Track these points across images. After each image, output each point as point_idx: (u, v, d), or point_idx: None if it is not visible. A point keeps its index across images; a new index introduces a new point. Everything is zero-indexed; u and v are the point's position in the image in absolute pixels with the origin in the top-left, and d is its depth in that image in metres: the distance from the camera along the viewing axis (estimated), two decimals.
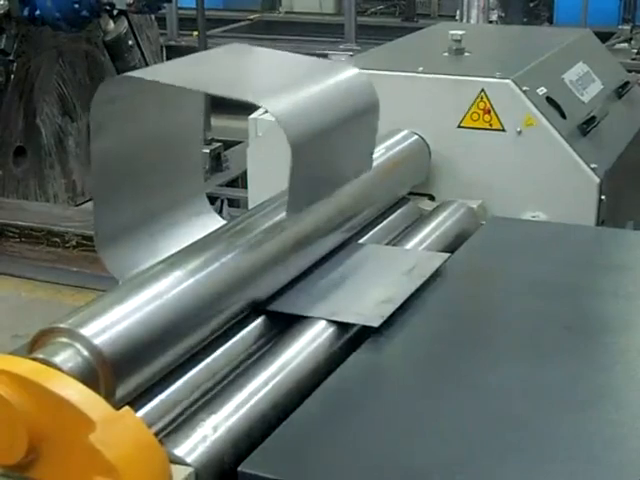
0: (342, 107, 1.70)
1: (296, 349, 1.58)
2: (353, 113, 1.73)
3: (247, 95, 1.59)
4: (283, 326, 1.66)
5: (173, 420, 1.41)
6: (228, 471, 1.34)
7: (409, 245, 2.06)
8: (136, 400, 1.38)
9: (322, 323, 1.65)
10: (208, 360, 1.52)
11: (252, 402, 1.44)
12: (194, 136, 1.89)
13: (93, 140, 1.64)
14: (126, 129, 1.68)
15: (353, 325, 1.67)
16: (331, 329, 1.65)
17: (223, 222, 1.93)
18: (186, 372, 1.48)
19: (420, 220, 2.22)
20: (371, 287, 1.79)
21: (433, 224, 2.18)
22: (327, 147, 1.65)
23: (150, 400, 1.41)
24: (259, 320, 1.66)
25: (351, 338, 1.67)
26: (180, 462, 1.29)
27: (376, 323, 1.64)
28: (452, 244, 2.11)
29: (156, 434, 1.32)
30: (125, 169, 1.70)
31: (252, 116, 2.68)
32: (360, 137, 1.78)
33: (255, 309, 1.66)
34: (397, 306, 1.70)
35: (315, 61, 1.86)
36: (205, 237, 1.72)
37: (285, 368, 1.53)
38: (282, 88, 1.63)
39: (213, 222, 1.87)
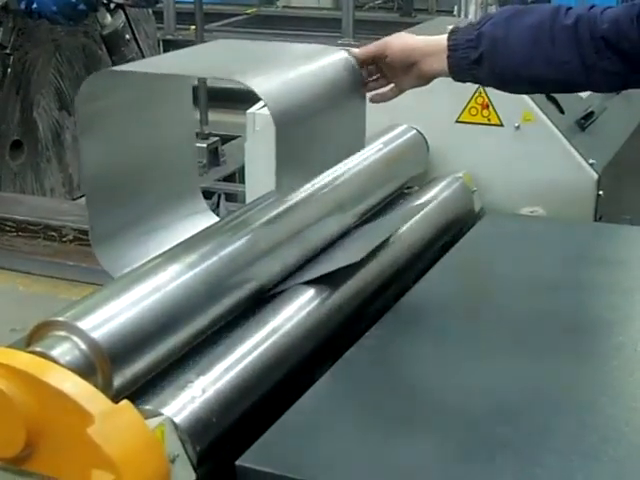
0: (327, 87, 1.71)
1: (286, 314, 1.61)
2: (339, 92, 1.74)
3: (232, 75, 1.59)
4: None
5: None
6: (218, 433, 1.37)
7: None
8: (135, 393, 1.38)
9: (311, 290, 1.68)
10: (208, 352, 1.51)
11: (241, 365, 1.46)
12: (186, 133, 1.90)
13: (81, 138, 1.63)
14: (115, 126, 1.68)
15: (341, 285, 1.71)
16: (320, 293, 1.69)
17: (211, 215, 1.94)
18: (186, 364, 1.47)
19: (409, 197, 2.25)
20: (354, 246, 1.84)
21: (424, 198, 2.20)
22: (313, 126, 1.66)
23: (149, 393, 1.40)
24: (259, 311, 1.66)
25: (344, 303, 1.72)
26: (156, 415, 1.30)
27: (357, 258, 1.73)
28: (447, 218, 2.18)
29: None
30: (116, 168, 1.70)
31: (250, 110, 2.68)
32: (348, 117, 1.79)
33: (254, 300, 1.66)
34: (378, 243, 1.82)
35: (300, 46, 1.88)
36: (202, 231, 1.72)
37: (276, 333, 1.56)
38: (267, 69, 1.64)
39: (209, 221, 1.87)
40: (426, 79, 1.77)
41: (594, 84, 1.70)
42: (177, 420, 1.31)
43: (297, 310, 1.64)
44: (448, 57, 1.69)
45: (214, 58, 1.81)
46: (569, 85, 1.73)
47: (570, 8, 1.66)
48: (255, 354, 1.50)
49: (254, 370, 1.48)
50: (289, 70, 1.65)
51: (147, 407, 1.33)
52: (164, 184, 1.83)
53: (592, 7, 1.65)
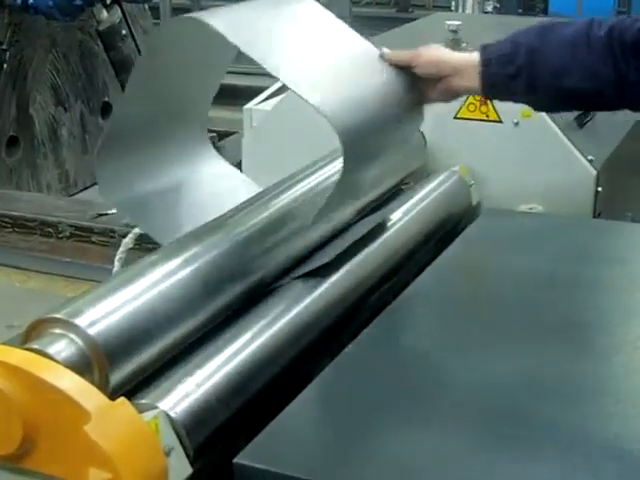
0: (387, 109, 1.69)
1: (282, 309, 1.61)
2: (397, 115, 1.72)
3: (300, 90, 1.55)
4: None
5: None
6: (214, 427, 1.37)
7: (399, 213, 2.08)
8: (132, 390, 1.37)
9: (308, 285, 1.69)
10: (206, 348, 1.50)
11: (237, 359, 1.46)
12: (212, 90, 1.92)
13: (135, 70, 1.71)
14: (169, 64, 1.71)
15: (338, 280, 1.72)
16: (317, 288, 1.69)
17: (218, 157, 1.99)
18: (182, 359, 1.46)
19: (406, 193, 2.25)
20: (331, 247, 1.84)
21: (421, 193, 2.20)
22: (371, 153, 1.65)
23: (145, 387, 1.39)
24: (255, 306, 1.65)
25: (341, 298, 1.73)
26: (150, 408, 1.30)
27: (328, 259, 1.73)
28: (444, 212, 2.20)
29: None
30: (151, 97, 1.74)
31: (247, 106, 2.68)
32: (393, 148, 1.77)
33: (251, 297, 1.66)
34: (349, 243, 1.81)
35: (366, 46, 1.80)
36: (201, 227, 1.72)
37: (272, 327, 1.56)
38: (333, 83, 1.61)
39: (208, 154, 1.91)
40: (452, 95, 1.72)
41: (629, 98, 1.63)
42: (172, 414, 1.31)
43: (293, 304, 1.63)
44: (481, 73, 1.63)
45: (286, 49, 1.68)
46: (605, 98, 1.65)
47: (604, 21, 1.62)
48: (251, 348, 1.50)
49: (251, 364, 1.48)
50: (353, 85, 1.63)
51: (142, 401, 1.32)
52: (176, 118, 1.86)
53: (625, 17, 1.63)
